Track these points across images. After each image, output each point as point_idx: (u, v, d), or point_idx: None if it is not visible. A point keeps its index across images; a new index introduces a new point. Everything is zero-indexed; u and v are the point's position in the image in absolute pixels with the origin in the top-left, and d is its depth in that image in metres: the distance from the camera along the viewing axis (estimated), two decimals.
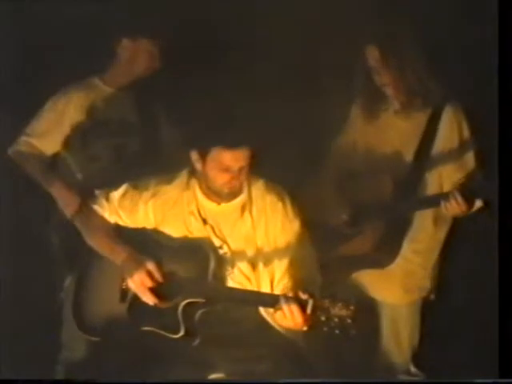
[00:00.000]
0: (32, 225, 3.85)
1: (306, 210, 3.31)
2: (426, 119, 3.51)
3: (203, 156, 3.17)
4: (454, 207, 3.35)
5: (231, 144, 3.11)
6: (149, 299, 3.16)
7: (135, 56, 3.73)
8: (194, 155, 3.20)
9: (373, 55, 3.45)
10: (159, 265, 3.18)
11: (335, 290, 3.10)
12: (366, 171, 3.61)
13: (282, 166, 3.41)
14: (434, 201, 3.43)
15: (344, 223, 3.55)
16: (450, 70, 3.55)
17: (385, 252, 3.54)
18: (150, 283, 3.15)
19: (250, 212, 3.24)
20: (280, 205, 3.25)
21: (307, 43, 3.92)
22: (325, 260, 3.43)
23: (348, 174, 3.64)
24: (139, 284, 3.16)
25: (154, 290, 3.17)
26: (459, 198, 3.32)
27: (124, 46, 3.73)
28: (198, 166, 3.20)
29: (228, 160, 3.13)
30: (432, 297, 3.67)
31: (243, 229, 3.24)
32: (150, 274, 3.16)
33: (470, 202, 3.33)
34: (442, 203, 3.36)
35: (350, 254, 3.55)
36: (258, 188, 3.27)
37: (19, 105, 3.79)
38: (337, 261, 3.51)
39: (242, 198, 3.25)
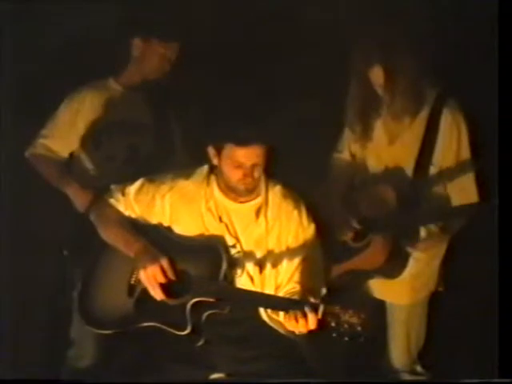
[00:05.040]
0: (42, 222, 3.89)
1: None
2: (425, 125, 3.51)
3: (219, 151, 3.19)
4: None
5: (243, 141, 3.13)
6: (157, 294, 3.14)
7: (146, 56, 3.73)
8: (211, 150, 3.22)
9: (377, 73, 3.44)
10: (173, 262, 3.17)
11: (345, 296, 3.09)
12: (367, 183, 3.61)
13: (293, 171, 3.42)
14: (440, 216, 3.48)
15: (350, 237, 3.56)
16: (448, 71, 3.56)
17: (395, 265, 3.55)
18: (161, 279, 3.13)
19: (265, 216, 3.24)
20: (296, 213, 3.25)
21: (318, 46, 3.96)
22: (334, 274, 3.46)
23: (350, 186, 3.65)
24: (151, 277, 3.13)
25: (163, 287, 3.15)
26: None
27: (135, 45, 3.75)
28: (215, 161, 3.22)
29: (240, 157, 3.14)
30: (440, 289, 3.68)
31: (256, 231, 3.24)
32: (162, 270, 3.14)
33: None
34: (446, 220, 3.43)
35: (360, 268, 3.56)
36: (275, 194, 3.27)
37: (35, 106, 3.83)
38: (346, 275, 3.52)
39: (258, 201, 3.25)
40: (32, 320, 3.90)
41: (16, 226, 3.73)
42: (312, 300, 2.99)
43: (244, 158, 3.14)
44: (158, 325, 3.17)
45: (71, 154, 3.78)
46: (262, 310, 3.23)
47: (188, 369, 3.20)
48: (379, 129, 3.58)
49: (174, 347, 3.20)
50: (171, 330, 3.15)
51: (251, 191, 3.23)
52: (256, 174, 3.18)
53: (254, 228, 3.24)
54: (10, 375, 3.49)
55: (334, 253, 3.50)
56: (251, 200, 3.25)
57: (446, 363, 3.69)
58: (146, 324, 3.19)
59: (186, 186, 3.26)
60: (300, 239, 3.24)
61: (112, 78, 3.79)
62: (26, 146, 3.76)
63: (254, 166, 3.16)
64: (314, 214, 3.30)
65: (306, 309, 2.95)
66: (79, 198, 3.66)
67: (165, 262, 3.15)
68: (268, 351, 3.21)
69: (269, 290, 3.21)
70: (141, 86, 3.78)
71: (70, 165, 3.78)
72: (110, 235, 3.27)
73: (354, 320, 2.89)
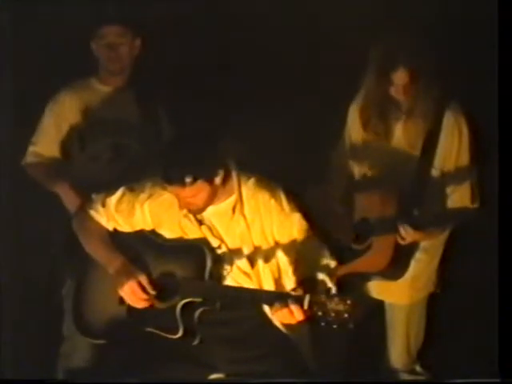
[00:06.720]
0: (36, 222, 3.87)
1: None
2: (428, 125, 3.50)
3: None
4: None
5: (169, 182, 3.11)
6: (143, 306, 3.19)
7: (108, 49, 3.69)
8: None
9: (400, 75, 3.42)
10: (150, 277, 3.20)
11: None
12: (368, 183, 3.60)
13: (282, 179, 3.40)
14: (441, 218, 3.47)
15: (351, 239, 3.56)
16: (450, 73, 3.55)
17: (397, 267, 3.54)
18: (141, 295, 3.17)
19: (242, 213, 3.21)
20: (273, 202, 3.21)
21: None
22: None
23: (350, 186, 3.64)
24: (130, 295, 3.18)
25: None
26: None
27: (95, 42, 3.72)
28: None
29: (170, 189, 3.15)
30: (437, 291, 3.69)
31: (237, 229, 3.22)
32: (141, 286, 3.17)
33: None
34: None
35: (362, 270, 3.55)
36: (249, 187, 3.23)
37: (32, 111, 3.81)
38: (348, 277, 3.52)
39: (231, 200, 3.22)
40: (29, 319, 3.89)
41: (12, 227, 3.74)
42: (297, 292, 2.99)
43: (173, 192, 3.15)
44: (152, 330, 3.20)
45: (60, 157, 3.77)
46: (266, 308, 3.21)
47: (186, 369, 3.22)
48: (398, 130, 3.57)
49: (171, 346, 3.21)
50: (165, 335, 3.18)
51: (195, 213, 3.21)
52: (198, 202, 3.15)
53: (235, 226, 3.22)
54: (9, 375, 3.49)
55: (335, 255, 3.49)
56: (225, 199, 3.22)
57: (446, 363, 3.70)
58: (140, 329, 3.21)
59: (164, 193, 3.24)
60: (286, 227, 3.20)
61: (94, 78, 3.77)
62: (22, 155, 3.77)
63: (187, 197, 3.14)
64: (314, 215, 3.29)
65: (292, 300, 2.96)
66: (69, 201, 3.64)
67: (143, 279, 3.18)
68: (267, 351, 3.21)
69: (267, 284, 3.20)
70: (128, 85, 3.76)
71: (58, 167, 3.76)
72: (90, 249, 3.30)
73: (341, 307, 2.90)
